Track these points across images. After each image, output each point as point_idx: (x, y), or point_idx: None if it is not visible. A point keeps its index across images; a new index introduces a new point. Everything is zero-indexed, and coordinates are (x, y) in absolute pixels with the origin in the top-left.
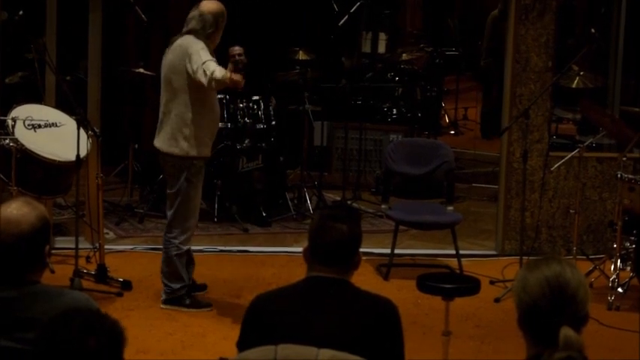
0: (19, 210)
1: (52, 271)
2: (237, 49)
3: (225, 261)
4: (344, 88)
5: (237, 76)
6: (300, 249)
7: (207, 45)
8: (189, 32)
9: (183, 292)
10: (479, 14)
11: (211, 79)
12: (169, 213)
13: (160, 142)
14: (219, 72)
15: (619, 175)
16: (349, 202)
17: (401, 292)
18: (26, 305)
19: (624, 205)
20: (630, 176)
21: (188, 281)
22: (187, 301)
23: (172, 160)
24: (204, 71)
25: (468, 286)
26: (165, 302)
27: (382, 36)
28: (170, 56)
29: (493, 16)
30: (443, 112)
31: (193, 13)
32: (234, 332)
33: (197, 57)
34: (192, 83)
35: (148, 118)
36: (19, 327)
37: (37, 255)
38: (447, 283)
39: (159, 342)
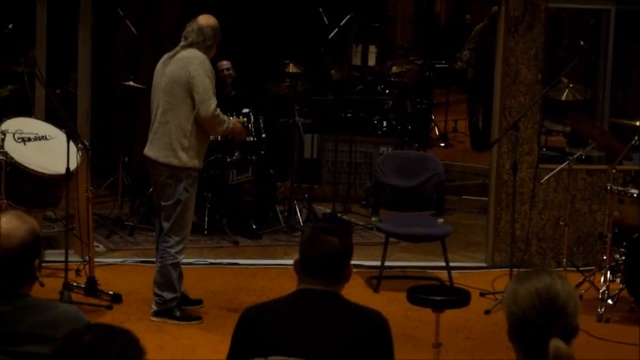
0: (9, 223)
1: (42, 284)
2: (225, 64)
3: (216, 273)
4: (332, 102)
5: (242, 133)
6: (290, 261)
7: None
8: (190, 45)
9: (174, 303)
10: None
11: (213, 123)
12: (166, 223)
13: (155, 152)
14: (222, 125)
15: (608, 188)
16: (339, 215)
17: (391, 305)
18: (17, 319)
19: (614, 217)
20: (620, 188)
21: (179, 293)
22: (177, 314)
23: (169, 170)
24: (209, 111)
25: (458, 298)
26: (155, 314)
27: (372, 49)
28: (173, 67)
29: (478, 30)
30: (433, 125)
31: (192, 26)
32: (224, 345)
33: (202, 88)
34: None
35: (139, 131)
36: (10, 341)
37: (27, 268)
38: (437, 295)
39: (149, 355)
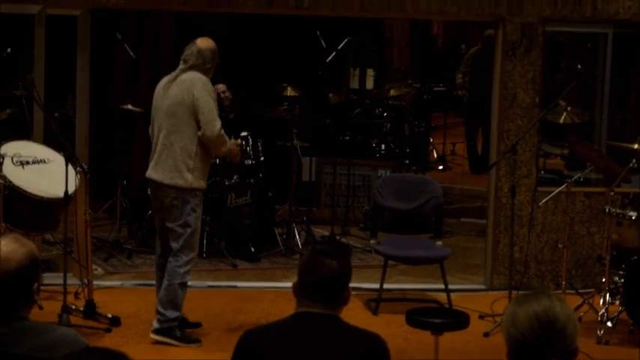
0: (7, 247)
1: (41, 307)
2: (221, 87)
3: (214, 296)
4: (330, 125)
5: (238, 155)
6: (289, 284)
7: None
8: (190, 68)
9: (176, 323)
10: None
11: (218, 143)
12: (175, 244)
13: (160, 174)
14: (226, 145)
15: (607, 210)
16: (338, 238)
17: (390, 327)
18: (15, 341)
19: (612, 239)
20: (618, 211)
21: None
22: (178, 334)
23: (175, 192)
24: (214, 132)
25: (457, 320)
26: (156, 332)
27: (370, 72)
28: (175, 90)
29: (472, 53)
30: (431, 148)
31: (191, 49)
32: None
33: (207, 109)
34: (197, 118)
35: (137, 154)
36: None
37: (25, 292)
38: (436, 317)
39: None
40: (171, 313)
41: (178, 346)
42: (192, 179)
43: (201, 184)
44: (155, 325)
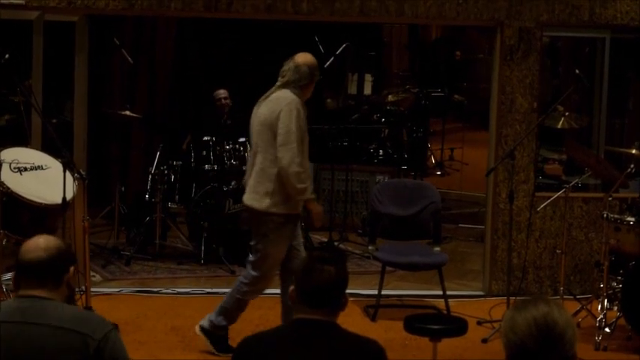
0: (38, 239)
1: None
2: (222, 93)
3: (213, 303)
4: (328, 131)
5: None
6: None
7: (301, 98)
8: (285, 84)
9: (222, 332)
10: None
11: (286, 174)
12: (252, 256)
13: (246, 194)
14: (297, 185)
15: (605, 215)
16: (336, 244)
17: (388, 333)
18: (36, 314)
19: (610, 245)
20: (616, 216)
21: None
22: (218, 342)
23: (251, 212)
24: (282, 159)
25: (456, 326)
26: (202, 329)
27: (368, 77)
28: (265, 109)
29: None
30: (429, 153)
31: (289, 64)
32: None
33: (284, 132)
34: None
35: (134, 160)
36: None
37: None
38: (434, 324)
39: None
40: (222, 321)
41: (178, 354)
42: (268, 204)
43: (281, 209)
44: (204, 323)
